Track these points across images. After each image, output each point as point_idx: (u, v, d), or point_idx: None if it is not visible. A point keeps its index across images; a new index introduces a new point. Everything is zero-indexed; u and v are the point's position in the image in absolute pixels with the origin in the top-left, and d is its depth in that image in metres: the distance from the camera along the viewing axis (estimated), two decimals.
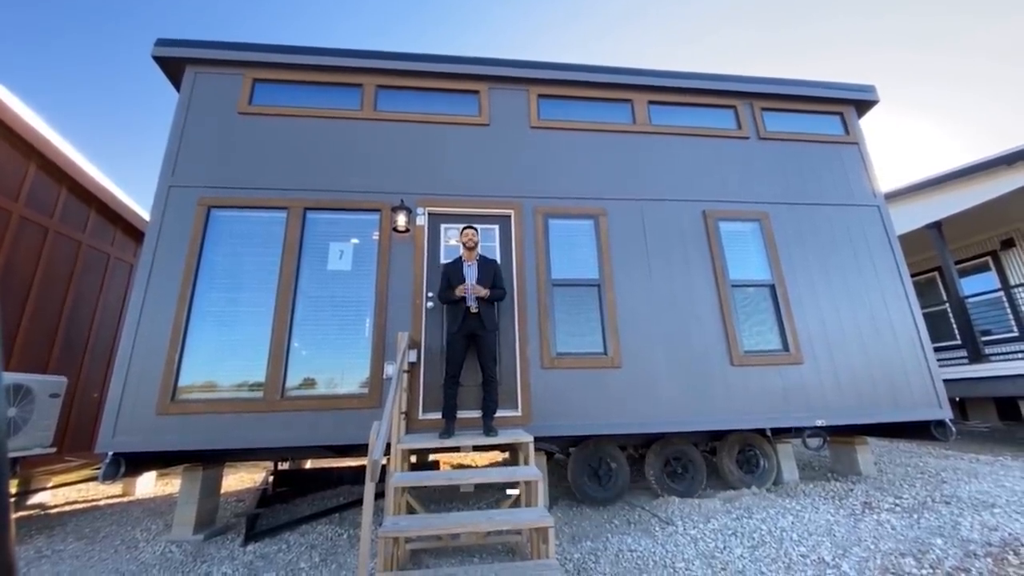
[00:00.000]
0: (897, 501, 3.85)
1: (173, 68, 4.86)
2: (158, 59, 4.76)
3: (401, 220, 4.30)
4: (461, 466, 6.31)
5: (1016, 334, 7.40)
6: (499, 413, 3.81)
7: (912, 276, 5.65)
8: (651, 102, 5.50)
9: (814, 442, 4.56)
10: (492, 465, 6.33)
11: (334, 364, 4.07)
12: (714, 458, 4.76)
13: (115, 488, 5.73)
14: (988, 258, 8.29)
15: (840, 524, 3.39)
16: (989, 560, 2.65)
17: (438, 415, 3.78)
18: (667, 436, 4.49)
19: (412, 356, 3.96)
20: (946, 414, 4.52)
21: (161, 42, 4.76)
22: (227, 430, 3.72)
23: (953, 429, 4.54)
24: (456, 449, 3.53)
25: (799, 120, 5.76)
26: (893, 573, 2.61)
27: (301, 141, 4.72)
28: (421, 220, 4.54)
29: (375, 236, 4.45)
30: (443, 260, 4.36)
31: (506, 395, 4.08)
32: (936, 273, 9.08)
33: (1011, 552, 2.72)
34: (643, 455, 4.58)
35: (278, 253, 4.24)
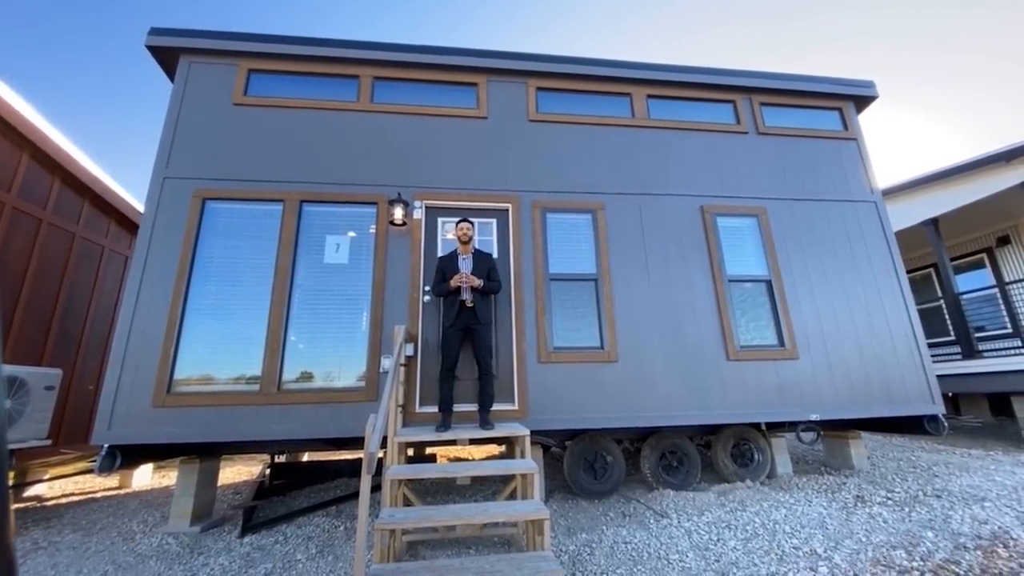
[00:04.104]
0: (889, 495, 3.89)
1: (167, 58, 4.79)
2: (152, 48, 4.69)
3: (398, 213, 4.28)
4: (458, 459, 6.34)
5: (1010, 331, 7.45)
6: (496, 407, 3.82)
7: (908, 272, 5.67)
8: (650, 96, 5.47)
9: (808, 436, 4.60)
10: (489, 458, 6.36)
11: (331, 357, 4.07)
12: (709, 452, 4.79)
13: (112, 480, 5.73)
14: (983, 255, 8.32)
15: (832, 517, 3.43)
16: (979, 553, 2.68)
17: (435, 408, 3.79)
18: (663, 430, 4.51)
19: (409, 350, 3.96)
20: (939, 409, 4.56)
21: (155, 31, 4.69)
22: (224, 423, 3.71)
23: (945, 424, 4.59)
24: (453, 442, 3.54)
25: (798, 115, 5.74)
26: (884, 565, 2.65)
27: (297, 133, 4.67)
28: (418, 213, 4.51)
29: (372, 229, 4.43)
30: (440, 254, 4.35)
31: (503, 389, 4.09)
32: (932, 269, 9.12)
33: (1000, 545, 2.76)
34: (639, 449, 4.61)
35: (274, 246, 4.22)
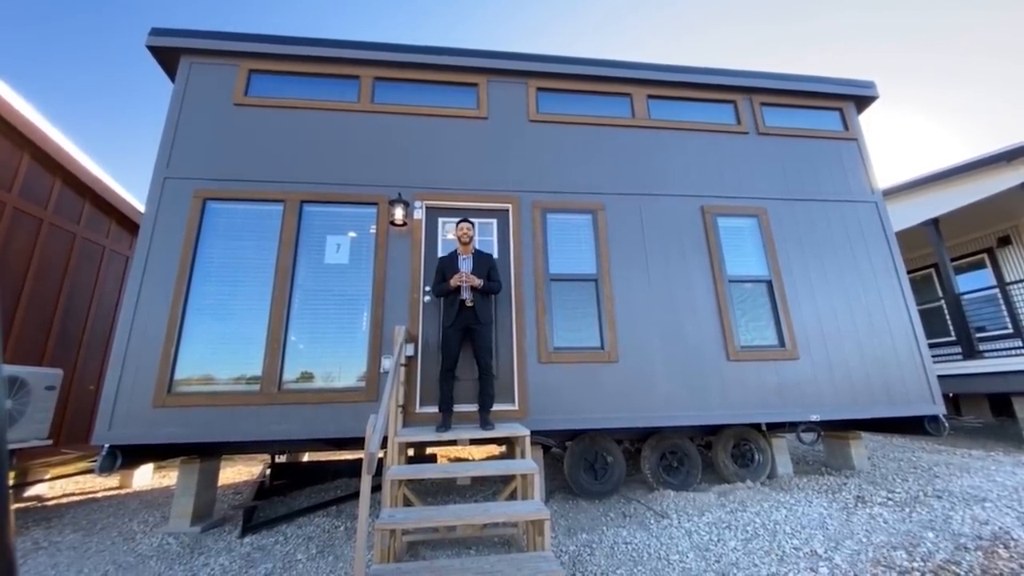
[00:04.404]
0: (890, 495, 3.89)
1: (168, 58, 4.80)
2: (152, 48, 4.70)
3: (398, 213, 4.28)
4: (458, 459, 6.34)
5: (1010, 331, 7.45)
6: (496, 407, 3.82)
7: (908, 272, 5.67)
8: (650, 96, 5.47)
9: (808, 437, 4.60)
10: (489, 458, 6.35)
11: (331, 358, 4.07)
12: (709, 452, 4.79)
13: (112, 480, 5.74)
14: (984, 255, 8.31)
15: (833, 517, 3.43)
16: (979, 553, 2.68)
17: (435, 409, 3.79)
18: (663, 430, 4.51)
19: (409, 350, 3.96)
20: (939, 410, 4.55)
21: (156, 31, 4.70)
22: (224, 423, 3.72)
23: (946, 424, 4.58)
24: (453, 442, 3.54)
25: (798, 115, 5.74)
26: (885, 566, 2.64)
27: (297, 133, 4.68)
28: (418, 214, 4.52)
29: (372, 229, 4.43)
30: (440, 254, 4.35)
31: (503, 389, 4.09)
32: (932, 270, 9.12)
33: (1001, 545, 2.76)
34: (639, 449, 4.61)
35: (275, 246, 4.22)
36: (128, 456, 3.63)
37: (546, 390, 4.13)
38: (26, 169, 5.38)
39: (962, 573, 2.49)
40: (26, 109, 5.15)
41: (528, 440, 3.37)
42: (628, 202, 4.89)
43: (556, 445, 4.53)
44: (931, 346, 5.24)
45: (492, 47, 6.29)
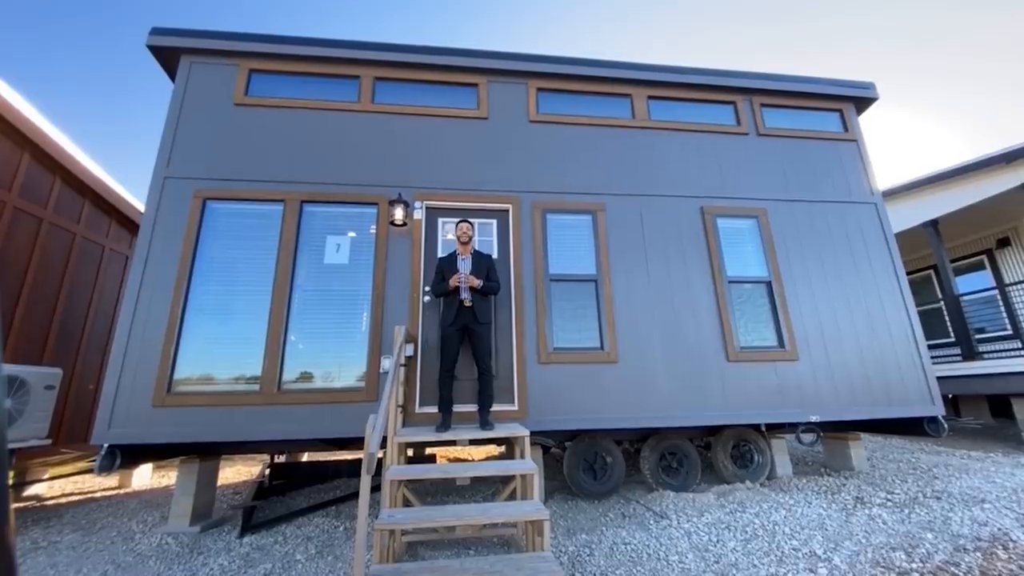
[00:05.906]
0: (889, 496, 3.89)
1: (168, 58, 4.80)
2: (153, 48, 4.70)
3: (398, 214, 4.28)
4: (457, 460, 6.34)
5: (1010, 332, 7.45)
6: (495, 407, 3.82)
7: (908, 274, 5.68)
8: (651, 97, 5.47)
9: (808, 438, 4.60)
10: (488, 459, 6.35)
11: (331, 358, 4.07)
12: (708, 453, 4.79)
13: (111, 480, 5.73)
14: (983, 256, 8.33)
15: (832, 518, 3.43)
16: (978, 555, 2.68)
17: (435, 409, 3.79)
18: (662, 431, 4.51)
19: (409, 350, 3.96)
20: (939, 411, 4.56)
21: (156, 31, 4.70)
22: (223, 423, 3.71)
23: (945, 426, 4.58)
24: (452, 443, 3.54)
25: (798, 117, 5.75)
26: (884, 567, 2.65)
27: (298, 133, 4.68)
28: (418, 214, 4.52)
29: (372, 230, 4.43)
30: (440, 254, 4.36)
31: (503, 389, 4.09)
32: (932, 271, 9.12)
33: (1000, 547, 2.76)
34: (638, 450, 4.61)
35: (275, 246, 4.22)
36: (127, 456, 3.63)
37: (546, 390, 4.13)
38: (26, 168, 5.38)
39: (961, 574, 2.49)
40: (27, 109, 5.15)
41: (528, 440, 3.37)
42: (628, 202, 4.89)
43: (555, 445, 4.53)
44: (930, 347, 5.25)
45: (496, 45, 6.29)
